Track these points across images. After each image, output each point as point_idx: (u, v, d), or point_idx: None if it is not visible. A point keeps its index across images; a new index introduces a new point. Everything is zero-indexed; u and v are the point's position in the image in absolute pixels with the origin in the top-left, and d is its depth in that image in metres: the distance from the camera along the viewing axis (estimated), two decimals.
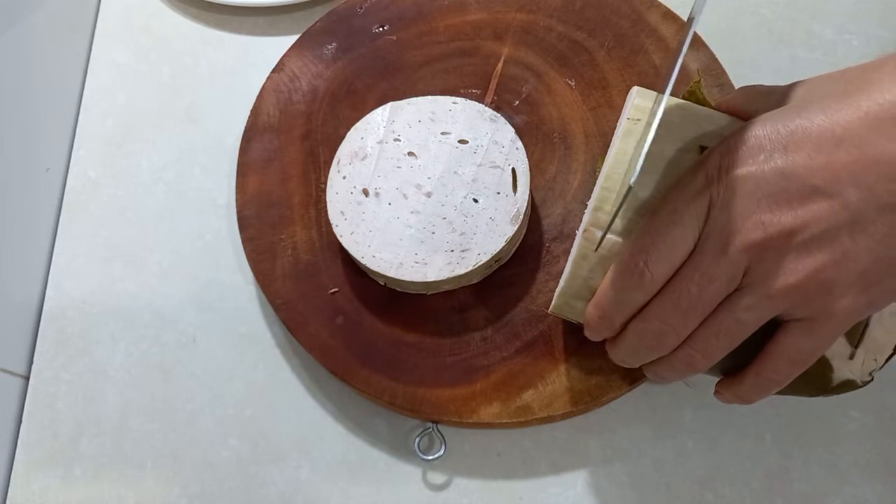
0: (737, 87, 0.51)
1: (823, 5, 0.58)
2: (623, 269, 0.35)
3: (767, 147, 0.32)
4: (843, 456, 0.46)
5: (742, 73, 0.54)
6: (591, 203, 0.38)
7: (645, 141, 0.34)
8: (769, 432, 0.46)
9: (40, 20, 0.56)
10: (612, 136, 0.51)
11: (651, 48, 0.53)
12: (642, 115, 0.38)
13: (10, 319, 0.51)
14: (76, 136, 0.58)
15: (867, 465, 0.45)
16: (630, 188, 0.34)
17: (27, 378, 0.51)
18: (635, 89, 0.39)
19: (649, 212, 0.35)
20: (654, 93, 0.39)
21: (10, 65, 0.53)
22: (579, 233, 0.40)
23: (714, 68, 0.52)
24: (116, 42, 0.61)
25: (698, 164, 0.34)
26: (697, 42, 0.53)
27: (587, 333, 0.39)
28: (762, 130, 0.33)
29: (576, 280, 0.38)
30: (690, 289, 0.33)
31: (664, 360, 0.37)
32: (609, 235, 0.36)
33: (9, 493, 0.48)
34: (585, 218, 0.38)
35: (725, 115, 0.38)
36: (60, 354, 0.51)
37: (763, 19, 0.58)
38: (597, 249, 0.37)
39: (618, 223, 0.36)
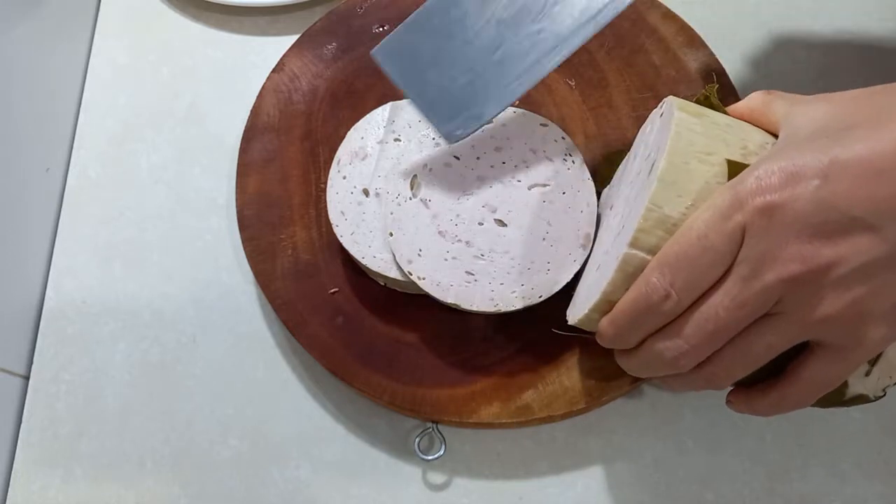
0: (737, 87, 0.52)
1: (823, 5, 0.58)
2: (648, 290, 0.34)
3: (807, 175, 0.31)
4: (843, 456, 0.46)
5: (742, 73, 0.54)
6: (633, 222, 0.36)
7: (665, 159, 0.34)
8: (769, 432, 0.46)
9: (40, 20, 0.56)
10: (612, 135, 0.51)
11: (651, 48, 0.53)
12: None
13: (10, 319, 0.51)
14: (76, 136, 0.58)
15: (867, 465, 0.46)
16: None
17: (27, 378, 0.51)
18: (673, 100, 0.38)
19: (677, 230, 0.34)
20: (693, 106, 0.38)
21: (11, 65, 0.53)
22: (611, 251, 0.38)
23: (714, 68, 0.52)
24: (116, 42, 0.61)
25: (731, 188, 0.33)
26: (697, 42, 0.53)
27: (599, 342, 0.38)
28: (800, 157, 0.31)
29: (605, 298, 0.37)
30: (719, 313, 0.32)
31: (682, 375, 0.36)
32: (636, 252, 0.35)
33: (9, 493, 0.48)
34: (625, 236, 0.36)
35: (744, 123, 0.37)
36: (60, 354, 0.51)
37: (763, 19, 0.58)
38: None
39: (646, 240, 0.34)
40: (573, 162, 0.46)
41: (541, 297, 0.44)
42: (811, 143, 0.32)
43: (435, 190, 0.46)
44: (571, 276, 0.44)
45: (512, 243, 0.45)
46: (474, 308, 0.44)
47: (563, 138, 0.47)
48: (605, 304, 0.36)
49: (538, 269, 0.44)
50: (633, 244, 0.35)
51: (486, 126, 0.47)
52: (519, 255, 0.44)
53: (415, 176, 0.46)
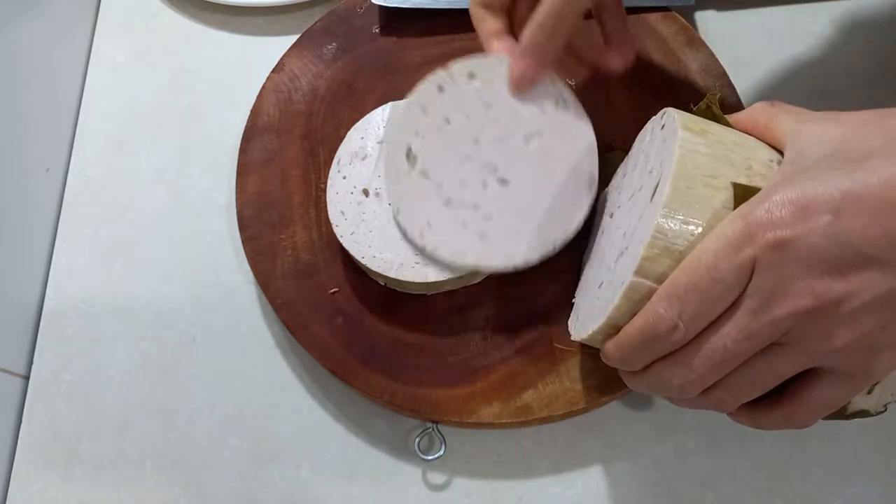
0: (738, 88, 0.52)
1: (824, 5, 0.58)
2: (655, 320, 0.33)
3: (819, 210, 0.30)
4: (843, 456, 0.46)
5: (742, 74, 0.54)
6: (637, 246, 0.35)
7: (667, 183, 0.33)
8: (769, 433, 0.46)
9: (40, 20, 0.56)
10: (612, 135, 0.51)
11: (651, 48, 0.53)
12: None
13: (10, 319, 0.51)
14: (76, 136, 0.58)
15: (867, 465, 0.46)
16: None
17: (27, 378, 0.51)
18: (673, 112, 0.37)
19: (684, 259, 0.33)
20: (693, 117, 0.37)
21: (11, 65, 0.53)
22: (615, 271, 0.38)
23: (714, 68, 0.52)
24: (116, 42, 0.61)
25: (740, 217, 0.32)
26: (697, 42, 0.53)
27: (604, 362, 0.38)
28: (812, 189, 0.31)
29: (610, 322, 0.36)
30: (727, 344, 0.32)
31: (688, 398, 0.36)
32: (642, 280, 0.34)
33: (9, 493, 0.48)
34: (631, 261, 0.35)
35: (748, 137, 0.37)
36: (60, 354, 0.51)
37: (763, 19, 0.58)
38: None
39: (652, 268, 0.34)
40: (566, 105, 0.45)
41: (555, 245, 0.43)
42: (822, 172, 0.31)
43: (432, 159, 0.45)
44: (582, 219, 0.44)
45: (518, 199, 0.44)
46: (493, 268, 0.43)
47: (552, 83, 0.45)
48: (610, 329, 0.36)
49: (548, 220, 0.44)
50: (639, 272, 0.34)
51: (474, 86, 0.45)
52: (527, 209, 0.44)
53: (409, 148, 0.46)
